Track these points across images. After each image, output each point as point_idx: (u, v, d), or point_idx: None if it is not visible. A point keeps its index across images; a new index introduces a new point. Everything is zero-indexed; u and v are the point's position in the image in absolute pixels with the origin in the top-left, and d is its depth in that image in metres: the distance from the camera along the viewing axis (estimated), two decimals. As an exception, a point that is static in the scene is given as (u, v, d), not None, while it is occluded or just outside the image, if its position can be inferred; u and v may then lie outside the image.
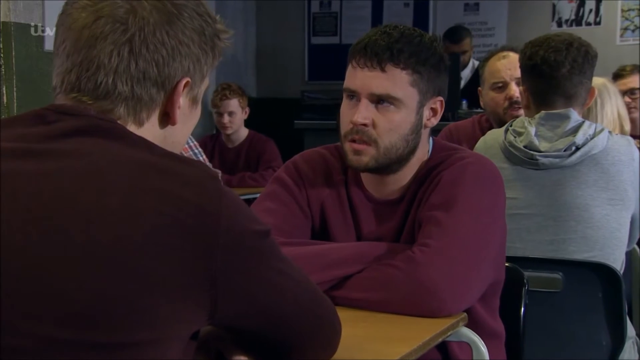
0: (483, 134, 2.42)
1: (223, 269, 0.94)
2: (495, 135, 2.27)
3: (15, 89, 2.53)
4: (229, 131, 4.43)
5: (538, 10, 6.01)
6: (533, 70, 2.15)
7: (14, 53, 2.49)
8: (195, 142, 3.84)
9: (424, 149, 1.65)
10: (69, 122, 0.97)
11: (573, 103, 2.16)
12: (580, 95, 2.17)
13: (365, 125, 1.55)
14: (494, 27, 6.22)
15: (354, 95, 1.58)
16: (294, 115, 5.45)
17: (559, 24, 5.97)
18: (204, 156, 3.82)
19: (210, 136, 4.70)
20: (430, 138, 1.68)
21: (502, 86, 2.86)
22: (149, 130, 1.04)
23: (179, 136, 1.10)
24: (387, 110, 1.56)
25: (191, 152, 3.78)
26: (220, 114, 4.40)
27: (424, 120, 1.61)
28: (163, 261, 0.90)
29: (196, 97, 1.09)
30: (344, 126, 1.59)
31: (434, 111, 1.62)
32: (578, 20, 5.93)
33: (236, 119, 4.40)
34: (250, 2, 6.67)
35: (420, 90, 1.57)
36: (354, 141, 1.57)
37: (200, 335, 1.09)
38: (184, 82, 1.04)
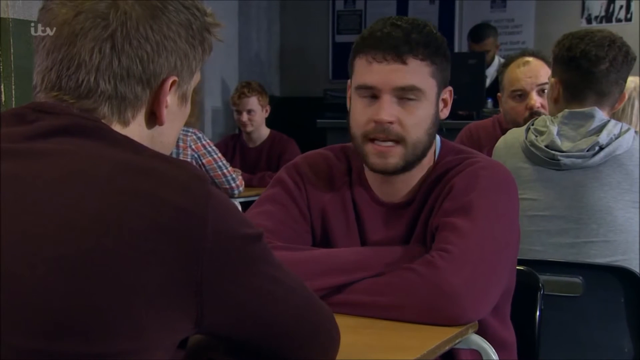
0: (503, 133, 2.38)
1: (209, 274, 0.90)
2: (516, 135, 2.22)
3: (13, 86, 2.51)
4: (249, 129, 4.41)
5: (567, 6, 5.91)
6: (571, 63, 2.10)
7: (12, 50, 2.47)
8: (209, 141, 3.82)
9: (432, 148, 1.59)
10: (49, 121, 0.94)
11: (604, 102, 2.11)
12: (613, 95, 2.12)
13: (391, 122, 1.48)
14: (521, 24, 6.13)
15: (372, 93, 1.50)
16: (318, 114, 5.42)
17: (589, 21, 5.86)
18: (219, 154, 3.81)
19: (232, 136, 4.70)
20: (438, 137, 1.62)
21: (522, 95, 2.78)
22: (135, 130, 1.00)
23: (168, 135, 1.06)
24: (410, 105, 1.48)
25: (204, 151, 3.77)
26: (240, 112, 4.40)
27: (439, 112, 1.55)
28: (144, 267, 0.86)
29: (185, 94, 1.05)
30: (362, 125, 1.50)
31: (444, 102, 1.57)
32: (608, 17, 5.83)
33: (256, 117, 4.38)
34: (274, 0, 6.64)
35: (438, 81, 1.51)
36: (374, 141, 1.49)
37: (189, 344, 1.05)
38: (170, 81, 1.00)
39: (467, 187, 1.49)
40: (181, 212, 0.88)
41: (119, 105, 0.98)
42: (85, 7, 0.96)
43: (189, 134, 3.72)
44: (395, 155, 1.50)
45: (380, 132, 1.48)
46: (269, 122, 4.55)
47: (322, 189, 1.61)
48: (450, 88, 1.57)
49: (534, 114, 2.70)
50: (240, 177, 3.93)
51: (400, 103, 1.48)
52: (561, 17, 5.83)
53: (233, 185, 3.86)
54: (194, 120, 3.89)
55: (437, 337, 1.29)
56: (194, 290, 0.89)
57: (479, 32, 5.54)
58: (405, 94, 1.48)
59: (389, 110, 1.47)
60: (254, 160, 4.43)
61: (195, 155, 3.74)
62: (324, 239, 1.60)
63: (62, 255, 0.84)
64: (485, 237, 1.42)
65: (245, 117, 4.37)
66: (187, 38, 1.01)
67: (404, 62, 1.46)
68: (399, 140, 1.49)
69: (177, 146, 3.70)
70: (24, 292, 0.83)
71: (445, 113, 1.57)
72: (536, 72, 2.75)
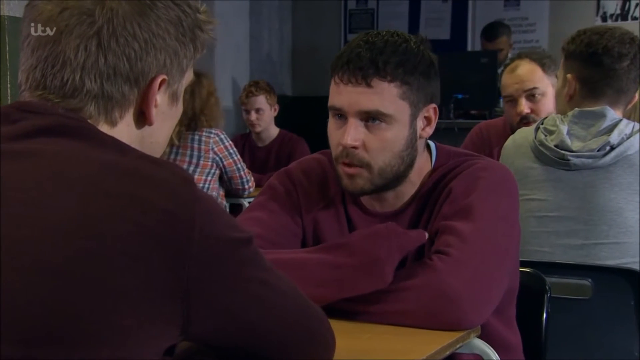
0: (513, 132, 2.34)
1: (196, 280, 0.87)
2: (525, 134, 2.18)
3: (9, 85, 2.50)
4: (258, 129, 4.40)
5: (581, 4, 5.85)
6: (591, 59, 2.05)
7: (7, 48, 2.46)
8: (231, 142, 3.81)
9: (424, 159, 1.56)
10: (33, 121, 0.92)
11: (621, 100, 2.07)
12: (630, 92, 2.08)
13: (355, 147, 1.45)
14: (535, 22, 6.08)
15: (340, 113, 1.47)
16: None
17: (604, 19, 5.81)
18: (238, 155, 3.80)
19: (241, 135, 4.68)
20: (433, 144, 1.59)
21: (512, 101, 2.79)
22: (124, 130, 0.98)
23: (159, 136, 1.03)
24: (378, 129, 1.46)
25: (226, 153, 3.76)
26: (248, 112, 4.38)
27: (418, 131, 1.51)
28: (129, 272, 0.84)
29: (176, 93, 1.03)
30: (334, 149, 1.49)
31: (428, 120, 1.52)
32: (624, 15, 5.77)
33: (264, 116, 4.36)
34: (286, 0, 6.63)
35: (412, 102, 1.47)
36: (345, 164, 1.48)
37: (178, 350, 1.02)
38: (159, 79, 0.98)
39: (466, 189, 1.46)
40: (167, 216, 0.86)
41: (105, 105, 0.96)
42: (71, 3, 0.94)
43: (212, 135, 3.70)
44: (361, 178, 1.48)
45: (346, 157, 1.47)
46: (281, 122, 4.52)
47: (315, 197, 1.58)
48: (434, 105, 1.52)
49: (523, 119, 2.72)
50: (252, 179, 3.93)
51: (367, 126, 1.46)
52: (576, 16, 5.77)
53: (246, 186, 3.88)
54: (221, 120, 3.87)
55: (437, 342, 1.26)
56: (181, 295, 0.87)
57: (492, 31, 5.50)
58: (371, 118, 1.45)
59: (353, 134, 1.45)
60: (263, 159, 4.42)
61: (217, 158, 3.73)
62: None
63: (45, 259, 0.82)
64: (486, 240, 1.39)
65: (253, 116, 4.36)
66: (177, 36, 0.99)
67: (369, 85, 1.43)
68: (363, 165, 1.47)
69: (199, 149, 3.68)
70: (7, 298, 0.81)
71: (428, 131, 1.53)
72: (523, 78, 2.76)
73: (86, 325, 0.82)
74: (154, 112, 0.99)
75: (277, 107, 4.42)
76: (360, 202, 1.57)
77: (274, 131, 4.47)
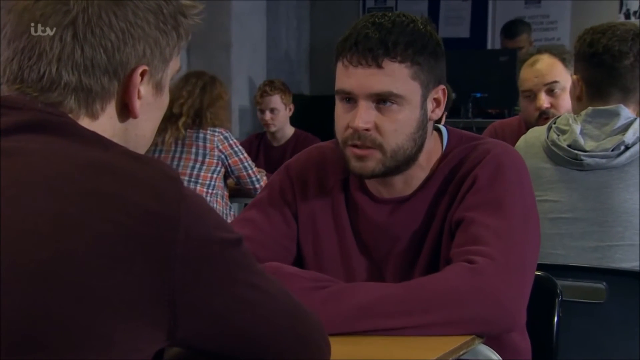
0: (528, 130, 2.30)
1: (183, 282, 0.85)
2: (537, 133, 2.14)
3: None
4: (272, 129, 4.38)
5: (604, 2, 5.77)
6: (592, 59, 2.01)
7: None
8: (235, 140, 3.79)
9: (434, 143, 1.53)
10: (12, 117, 0.89)
11: (630, 98, 2.02)
12: (638, 90, 2.02)
13: (367, 130, 1.42)
14: (556, 20, 6.01)
15: (349, 97, 1.44)
16: (347, 113, 5.36)
17: (627, 16, 5.73)
18: (245, 154, 3.78)
19: (256, 135, 4.67)
20: (445, 128, 1.56)
21: (531, 95, 2.74)
22: (106, 123, 0.96)
23: (144, 128, 1.01)
24: (390, 110, 1.42)
25: (231, 151, 3.74)
26: (262, 111, 4.37)
27: (429, 113, 1.48)
28: (111, 275, 0.81)
29: (161, 83, 1.00)
30: (342, 131, 1.45)
31: (437, 102, 1.49)
32: (647, 12, 5.70)
33: (279, 116, 4.34)
34: (304, -1, 6.61)
35: (422, 82, 1.44)
36: (355, 146, 1.44)
37: (166, 356, 1.00)
38: (139, 70, 0.95)
39: (490, 178, 1.42)
40: (150, 215, 0.83)
41: (86, 98, 0.93)
42: None
43: (216, 133, 3.70)
44: (372, 160, 1.44)
45: (357, 139, 1.43)
46: (298, 121, 4.50)
47: (313, 188, 1.55)
48: (442, 86, 1.49)
49: (542, 114, 2.68)
50: (264, 178, 3.90)
51: (378, 108, 1.42)
52: (598, 13, 5.68)
53: (257, 186, 3.84)
54: (226, 123, 3.87)
55: (440, 349, 1.22)
56: (166, 299, 0.84)
57: (512, 28, 5.45)
58: (382, 99, 1.42)
59: (364, 117, 1.41)
60: (277, 159, 4.39)
61: (222, 156, 3.72)
62: (313, 245, 1.54)
63: (23, 262, 0.80)
64: (522, 240, 1.38)
65: (268, 116, 4.34)
66: (157, 24, 0.96)
67: (379, 66, 1.40)
68: (375, 147, 1.43)
69: (204, 147, 3.69)
70: None
71: (437, 113, 1.50)
72: (543, 72, 2.71)
73: (68, 331, 0.79)
74: (137, 103, 0.97)
75: (292, 106, 4.40)
76: (367, 189, 1.53)
77: (289, 131, 4.45)
